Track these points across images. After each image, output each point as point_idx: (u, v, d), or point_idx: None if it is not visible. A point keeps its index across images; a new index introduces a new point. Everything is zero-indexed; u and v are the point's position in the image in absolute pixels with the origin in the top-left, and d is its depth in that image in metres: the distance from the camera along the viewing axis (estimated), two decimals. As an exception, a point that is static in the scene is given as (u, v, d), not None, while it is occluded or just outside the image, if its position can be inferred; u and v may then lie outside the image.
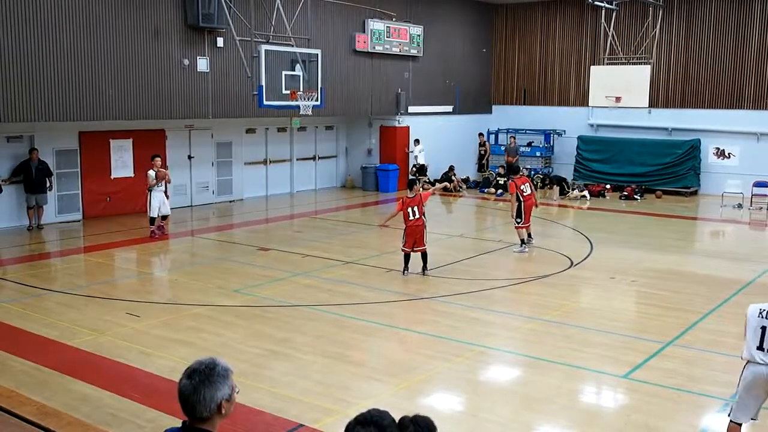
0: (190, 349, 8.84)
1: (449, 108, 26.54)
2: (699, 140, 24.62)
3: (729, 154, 24.50)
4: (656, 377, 8.41)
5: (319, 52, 17.33)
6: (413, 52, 24.48)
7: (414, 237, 13.10)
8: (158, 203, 16.07)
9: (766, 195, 22.50)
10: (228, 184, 21.76)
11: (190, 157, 20.57)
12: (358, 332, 10.01)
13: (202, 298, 11.52)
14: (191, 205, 20.48)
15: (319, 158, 24.88)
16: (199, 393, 3.16)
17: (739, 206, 22.08)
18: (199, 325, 10.18)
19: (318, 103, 17.32)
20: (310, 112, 17.51)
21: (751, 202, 22.36)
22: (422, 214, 13.11)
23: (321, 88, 17.32)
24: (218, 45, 18.42)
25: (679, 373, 8.57)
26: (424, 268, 13.21)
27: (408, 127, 25.12)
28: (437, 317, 10.74)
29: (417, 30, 24.46)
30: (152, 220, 16.20)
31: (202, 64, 18.16)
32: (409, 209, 13.06)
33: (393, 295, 11.80)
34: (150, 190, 16.12)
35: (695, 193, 24.49)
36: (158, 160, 16.37)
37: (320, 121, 23.96)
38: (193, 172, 20.72)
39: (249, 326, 10.20)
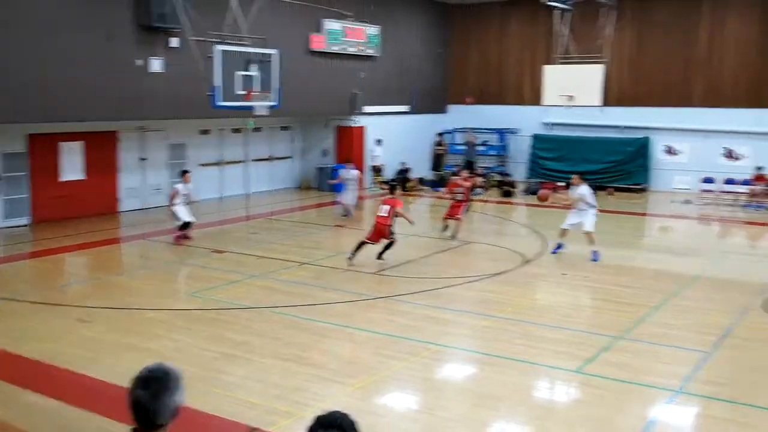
0: (144, 354, 8.76)
1: (405, 108, 26.64)
2: (649, 138, 25.14)
3: (678, 151, 25.03)
4: (608, 371, 8.59)
5: (274, 52, 17.26)
6: (370, 52, 24.51)
7: (379, 234, 13.86)
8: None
9: (713, 191, 23.09)
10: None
11: (142, 159, 20.32)
12: (316, 334, 10.01)
13: (157, 302, 11.40)
14: (144, 208, 20.22)
15: (274, 159, 24.78)
16: (160, 401, 3.11)
17: (688, 202, 22.60)
18: (154, 329, 10.08)
19: (274, 103, 17.27)
20: (265, 113, 17.43)
21: (699, 197, 22.92)
22: (391, 216, 13.82)
23: (277, 89, 17.26)
24: (172, 45, 18.20)
25: (630, 366, 8.76)
26: (381, 253, 13.91)
27: (364, 127, 25.16)
28: (394, 317, 10.80)
29: (373, 30, 24.50)
30: (186, 225, 16.07)
31: (156, 65, 17.94)
32: (381, 206, 13.95)
33: (350, 296, 11.82)
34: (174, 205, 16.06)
35: (645, 189, 24.98)
36: (188, 176, 16.51)
37: (276, 121, 23.84)
38: (146, 175, 20.47)
39: (204, 330, 10.14)
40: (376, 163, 25.04)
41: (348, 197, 19.41)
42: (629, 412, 7.56)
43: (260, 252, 14.96)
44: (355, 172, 19.55)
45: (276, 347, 9.41)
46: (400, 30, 26.17)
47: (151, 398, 3.12)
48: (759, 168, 22.29)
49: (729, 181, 23.19)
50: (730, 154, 24.14)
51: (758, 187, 21.87)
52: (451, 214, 16.44)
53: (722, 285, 12.78)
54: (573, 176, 15.25)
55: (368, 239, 13.99)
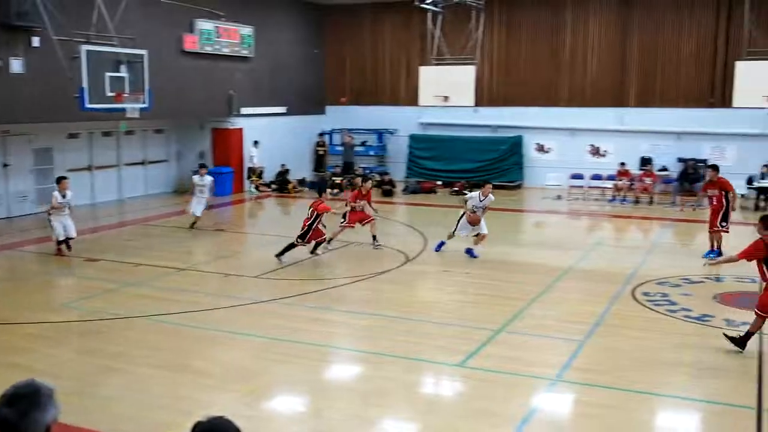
0: (15, 371, 8.27)
1: (283, 109, 26.44)
2: (521, 137, 26.09)
3: (548, 149, 26.10)
4: (490, 363, 8.83)
5: (145, 52, 16.73)
6: (244, 52, 24.17)
7: (314, 235, 14.20)
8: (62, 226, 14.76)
9: (581, 186, 24.23)
10: (49, 192, 20.41)
11: (5, 166, 19.21)
12: (198, 341, 9.77)
13: (28, 315, 10.79)
14: (9, 217, 19.12)
15: (149, 163, 24.01)
16: (29, 418, 2.95)
17: (559, 198, 23.61)
18: (27, 344, 9.54)
19: (145, 105, 16.73)
20: (137, 115, 16.87)
21: (569, 193, 24.00)
22: (313, 218, 14.04)
23: (148, 90, 16.74)
24: (34, 45, 17.27)
25: (510, 358, 9.05)
26: (314, 249, 14.41)
27: (242, 129, 24.79)
28: (278, 320, 10.69)
29: (247, 30, 24.18)
30: (64, 240, 14.83)
31: (16, 65, 16.99)
32: (309, 209, 14.27)
33: (232, 300, 11.61)
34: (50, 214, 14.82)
35: (520, 186, 25.89)
36: (66, 183, 15.15)
37: (149, 124, 23.11)
38: (9, 182, 19.35)
39: (80, 342, 9.70)
40: (254, 165, 24.73)
41: (196, 204, 17.58)
42: (511, 402, 7.80)
43: (137, 259, 14.45)
44: (209, 179, 17.82)
45: (156, 356, 9.12)
46: (274, 30, 25.96)
47: (19, 416, 2.95)
48: (622, 164, 23.55)
49: (595, 177, 24.38)
50: (596, 151, 25.40)
51: (622, 182, 23.10)
52: (362, 219, 15.76)
53: (593, 276, 13.40)
54: (486, 185, 14.82)
55: (299, 241, 14.11)
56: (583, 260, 14.76)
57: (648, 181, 22.97)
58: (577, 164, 25.11)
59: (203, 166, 18.63)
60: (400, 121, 27.69)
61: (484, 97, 26.43)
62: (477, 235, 14.66)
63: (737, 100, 21.49)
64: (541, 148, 26.23)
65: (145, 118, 18.31)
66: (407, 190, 25.31)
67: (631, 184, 22.99)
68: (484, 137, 26.44)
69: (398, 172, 26.97)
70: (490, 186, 14.81)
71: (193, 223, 17.68)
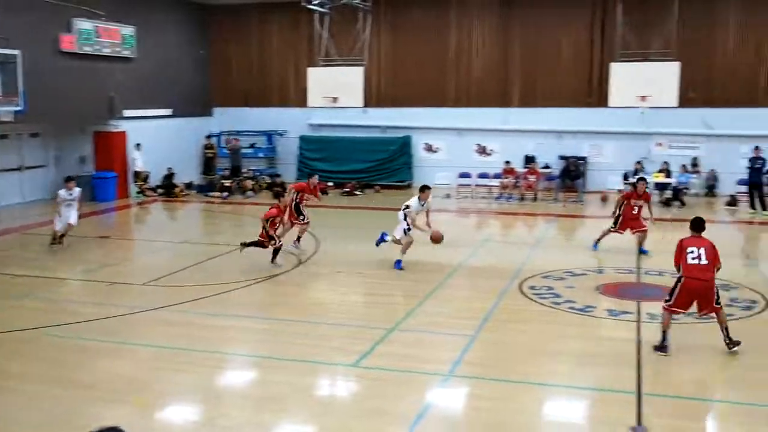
0: None
1: (168, 111, 25.78)
2: (410, 137, 26.46)
3: (437, 148, 26.58)
4: (384, 362, 8.92)
5: (18, 52, 15.96)
6: (126, 53, 23.41)
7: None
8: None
9: (469, 185, 24.80)
10: None
11: None
12: (86, 353, 9.39)
13: None
14: None
15: (25, 168, 22.88)
16: None
17: (448, 196, 24.09)
18: None
19: (19, 108, 15.96)
20: (11, 119, 16.06)
21: (458, 191, 24.54)
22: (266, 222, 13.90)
23: (22, 92, 15.97)
24: None
25: (404, 356, 9.17)
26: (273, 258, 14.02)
27: (125, 132, 23.99)
28: (169, 327, 10.42)
29: (129, 30, 23.43)
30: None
31: None
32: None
33: (121, 309, 11.22)
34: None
35: (410, 186, 26.23)
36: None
37: (25, 128, 22.00)
38: None
39: (-48, 360, 9.14)
40: (138, 169, 23.96)
41: (64, 219, 15.77)
42: (405, 399, 7.90)
43: (15, 270, 13.74)
44: (77, 191, 16.14)
45: (43, 371, 8.71)
46: (158, 30, 25.29)
47: None
48: (507, 162, 24.25)
49: (482, 175, 25.01)
50: (482, 151, 26.07)
51: (507, 180, 23.80)
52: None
53: (482, 272, 13.76)
54: (427, 190, 14.22)
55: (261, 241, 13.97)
56: (473, 257, 15.12)
57: (532, 178, 23.77)
58: (465, 163, 25.69)
59: (70, 179, 16.71)
60: (289, 123, 27.52)
61: (373, 97, 26.63)
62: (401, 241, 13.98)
63: (612, 99, 22.51)
64: (429, 148, 26.69)
65: (20, 121, 17.45)
66: (298, 192, 25.16)
67: (516, 182, 23.72)
68: (373, 138, 26.66)
69: (289, 173, 26.80)
70: (430, 191, 14.39)
71: (61, 236, 15.79)
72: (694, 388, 8.34)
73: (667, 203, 22.09)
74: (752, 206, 21.12)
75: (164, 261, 14.36)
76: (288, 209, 15.21)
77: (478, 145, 26.10)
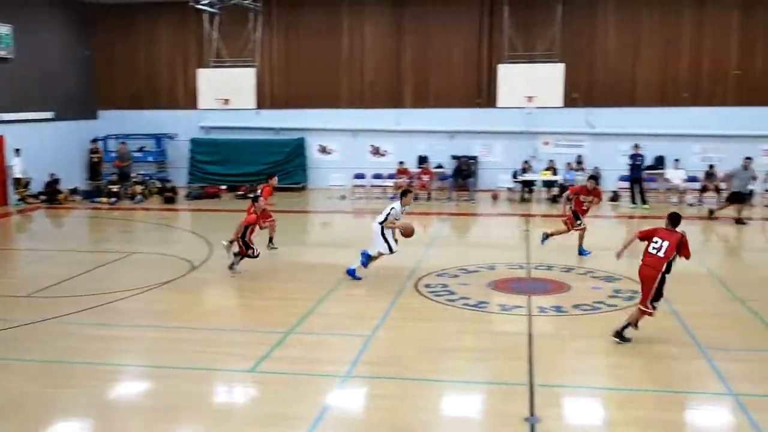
0: None
1: (50, 114, 24.68)
2: (304, 138, 26.36)
3: (331, 150, 26.58)
4: (281, 366, 8.84)
5: None
6: (2, 53, 22.28)
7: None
8: None
9: (364, 185, 24.94)
10: None
11: None
12: (-40, 370, 8.87)
13: None
14: None
15: None
16: None
17: (343, 197, 24.14)
18: None
19: None
20: None
21: (353, 192, 24.64)
22: (242, 228, 13.38)
23: None
24: None
25: (301, 359, 9.11)
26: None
27: (2, 137, 22.78)
28: (58, 340, 9.96)
29: (5, 29, 22.30)
30: None
31: None
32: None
33: (5, 323, 10.63)
34: None
35: (304, 188, 26.15)
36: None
37: None
38: None
39: None
40: (18, 176, 22.81)
41: None
42: (304, 402, 7.85)
43: None
44: None
45: None
46: (38, 30, 24.19)
47: None
48: (401, 163, 24.53)
49: (377, 176, 25.21)
50: (376, 151, 26.26)
51: (402, 180, 24.05)
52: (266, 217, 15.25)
53: (379, 271, 13.80)
54: (409, 194, 13.52)
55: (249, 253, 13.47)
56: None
57: (425, 178, 24.13)
58: (359, 164, 25.83)
59: None
60: (179, 126, 26.90)
61: (266, 99, 26.40)
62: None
63: (501, 100, 23.12)
64: (324, 150, 26.67)
65: None
66: (190, 196, 24.65)
67: (411, 182, 24.01)
68: (267, 140, 26.40)
69: (180, 177, 26.19)
70: (412, 194, 13.80)
71: None
72: (583, 378, 8.65)
73: (554, 200, 22.88)
74: (633, 201, 22.19)
75: (50, 270, 13.74)
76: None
77: (372, 146, 26.28)
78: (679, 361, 9.06)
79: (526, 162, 24.07)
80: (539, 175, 23.67)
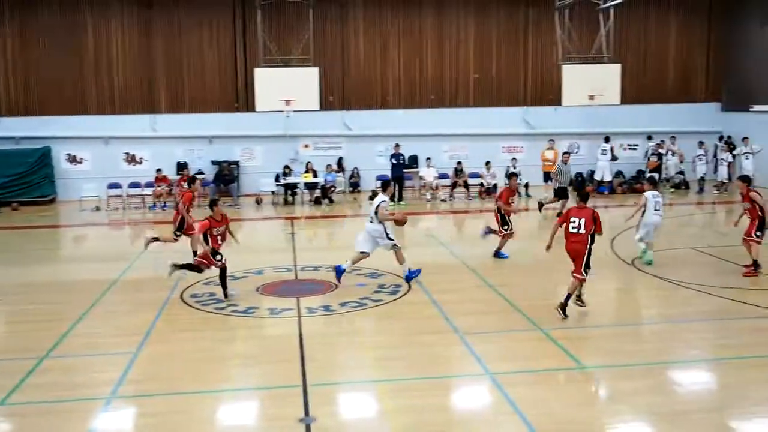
0: None
1: None
2: (50, 147, 24.46)
3: (81, 159, 24.97)
4: (36, 395, 8.13)
5: None
6: None
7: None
8: None
9: (120, 195, 23.69)
10: None
11: None
12: None
13: None
14: None
15: None
16: None
17: (98, 209, 22.78)
18: None
19: None
20: None
21: (108, 203, 23.33)
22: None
23: None
24: None
25: (60, 384, 8.46)
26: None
27: None
28: None
29: None
30: None
31: None
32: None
33: None
34: None
35: (53, 200, 24.31)
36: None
37: None
38: None
39: None
40: None
41: None
42: (68, 430, 7.30)
43: None
44: None
45: None
46: None
47: None
48: (158, 170, 23.60)
49: (134, 185, 24.06)
50: (132, 159, 25.08)
51: (161, 188, 23.17)
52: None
53: (141, 285, 13.22)
54: (389, 185, 13.52)
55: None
56: (130, 270, 14.47)
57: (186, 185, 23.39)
58: (114, 173, 24.51)
59: None
60: None
61: (3, 106, 24.22)
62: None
63: (259, 104, 23.01)
64: (73, 159, 24.97)
65: None
66: None
67: (170, 190, 23.21)
68: (7, 150, 24.12)
69: None
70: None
71: None
72: (355, 373, 8.88)
73: (317, 201, 23.28)
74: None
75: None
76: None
77: (127, 153, 25.08)
78: (440, 348, 9.61)
79: (287, 167, 24.26)
80: (301, 178, 23.95)
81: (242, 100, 25.16)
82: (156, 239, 14.72)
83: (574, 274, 10.50)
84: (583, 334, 10.15)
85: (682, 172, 25.46)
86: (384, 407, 7.87)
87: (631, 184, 24.83)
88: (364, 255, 12.80)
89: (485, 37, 26.22)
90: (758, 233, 12.83)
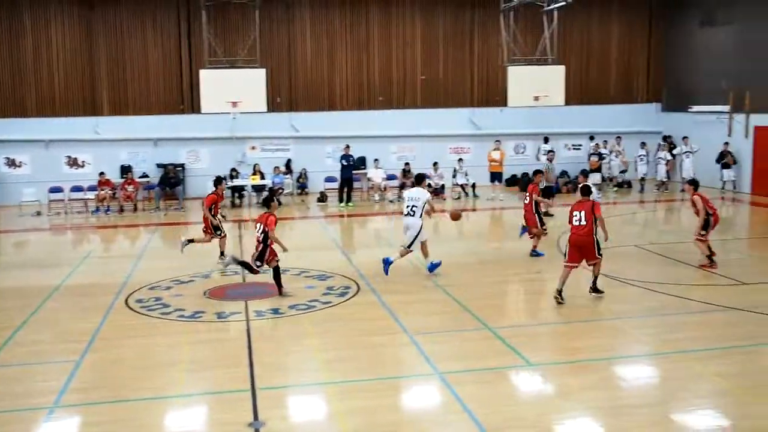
0: None
1: None
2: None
3: (20, 162, 24.33)
4: (-25, 406, 7.89)
5: None
6: None
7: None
8: None
9: (62, 200, 23.15)
10: None
11: None
12: None
13: None
14: None
15: None
16: None
17: (38, 214, 22.22)
18: None
19: None
20: None
21: (49, 208, 22.76)
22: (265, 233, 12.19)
23: None
24: None
25: (0, 395, 8.21)
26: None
27: None
28: None
29: None
30: None
31: None
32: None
33: None
34: None
35: (-9, 206, 23.66)
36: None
37: None
38: None
39: None
40: None
41: None
42: (6, 442, 7.11)
43: None
44: None
45: None
46: None
47: None
48: (102, 173, 23.05)
49: (76, 189, 23.53)
50: (74, 163, 24.53)
51: (104, 192, 22.68)
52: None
53: (84, 290, 12.94)
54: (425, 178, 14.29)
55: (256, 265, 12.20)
56: (73, 275, 14.15)
57: (130, 188, 22.99)
58: (55, 177, 23.92)
59: None
60: None
61: None
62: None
63: (205, 106, 22.69)
64: (12, 163, 24.32)
65: None
66: None
67: (114, 194, 22.77)
68: (-59, 154, 23.44)
69: None
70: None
71: None
72: (304, 375, 8.83)
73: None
74: (340, 200, 23.12)
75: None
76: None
77: (69, 157, 24.53)
78: (390, 348, 9.62)
79: (234, 169, 24.01)
80: (249, 180, 23.74)
81: (187, 101, 24.83)
82: (191, 241, 14.80)
83: (593, 263, 11.34)
84: (532, 332, 10.28)
85: (624, 171, 25.99)
86: (334, 409, 7.84)
87: (576, 184, 25.25)
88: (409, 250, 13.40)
89: (432, 39, 26.41)
90: (702, 232, 13.62)
